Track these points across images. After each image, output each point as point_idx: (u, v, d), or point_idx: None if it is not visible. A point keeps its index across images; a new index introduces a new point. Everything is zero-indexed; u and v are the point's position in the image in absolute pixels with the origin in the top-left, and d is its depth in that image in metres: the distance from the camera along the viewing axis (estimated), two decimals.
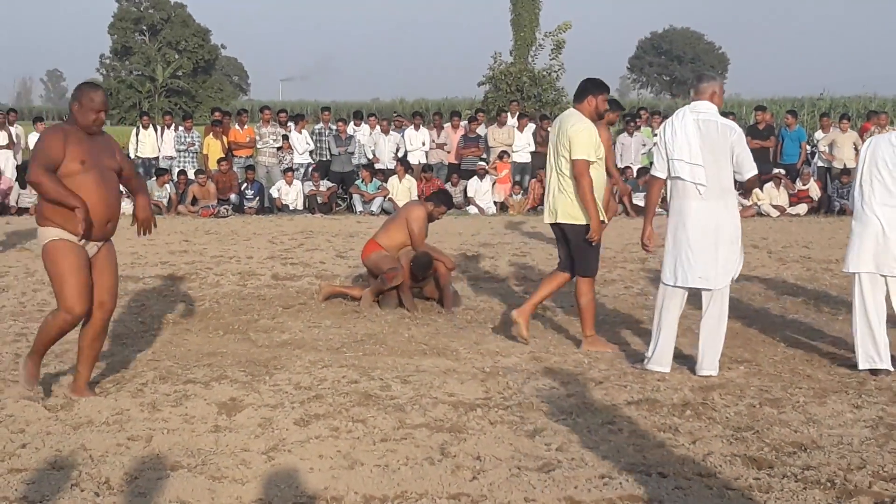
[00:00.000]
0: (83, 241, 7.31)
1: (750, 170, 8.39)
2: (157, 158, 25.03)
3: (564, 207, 9.33)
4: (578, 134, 9.15)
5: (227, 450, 6.36)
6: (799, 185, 22.84)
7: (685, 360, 8.78)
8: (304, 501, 5.56)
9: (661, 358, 8.53)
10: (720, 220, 8.33)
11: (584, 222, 9.25)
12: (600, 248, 9.73)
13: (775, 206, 22.09)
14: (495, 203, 23.57)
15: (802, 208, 22.42)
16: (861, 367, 8.50)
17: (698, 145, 8.29)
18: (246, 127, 24.75)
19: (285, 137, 24.40)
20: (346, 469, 6.03)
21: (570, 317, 10.77)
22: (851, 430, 6.89)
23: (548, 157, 9.59)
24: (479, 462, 6.18)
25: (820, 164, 23.72)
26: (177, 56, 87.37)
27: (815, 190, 22.90)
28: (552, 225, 9.55)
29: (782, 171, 22.61)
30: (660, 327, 8.55)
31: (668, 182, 8.51)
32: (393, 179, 23.22)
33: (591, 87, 9.46)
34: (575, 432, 6.78)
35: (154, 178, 23.12)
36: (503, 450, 6.42)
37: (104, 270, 7.53)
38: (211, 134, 24.22)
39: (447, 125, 25.30)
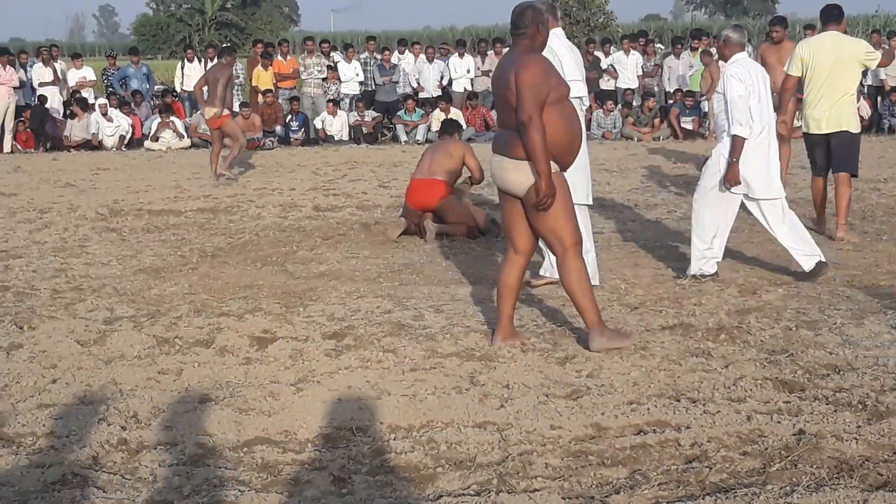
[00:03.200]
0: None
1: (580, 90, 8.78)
2: None
3: (847, 118, 10.71)
4: (866, 45, 11.11)
5: (255, 382, 6.38)
6: None
7: (722, 283, 8.71)
8: (329, 432, 5.56)
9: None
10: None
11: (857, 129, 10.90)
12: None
13: None
14: None
15: None
16: (812, 266, 8.79)
17: (573, 65, 8.64)
18: (289, 58, 24.68)
19: (330, 68, 24.30)
20: (373, 399, 6.03)
21: (610, 244, 10.69)
22: (888, 351, 6.80)
23: (819, 76, 10.63)
24: (507, 390, 6.16)
25: (871, 82, 23.21)
26: None
27: (864, 109, 22.47)
28: (817, 135, 10.78)
29: None
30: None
31: None
32: (437, 113, 22.87)
33: (840, 12, 10.86)
34: (606, 358, 6.73)
35: (200, 112, 23.13)
36: (532, 377, 6.39)
37: None
38: (259, 65, 24.06)
39: (491, 52, 25.05)
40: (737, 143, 8.65)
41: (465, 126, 22.33)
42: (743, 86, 8.65)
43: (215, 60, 24.97)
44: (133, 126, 22.91)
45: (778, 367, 6.49)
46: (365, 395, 6.11)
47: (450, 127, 12.49)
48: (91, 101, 23.25)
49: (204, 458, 5.26)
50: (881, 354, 6.70)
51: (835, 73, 10.55)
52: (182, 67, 25.22)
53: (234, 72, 18.97)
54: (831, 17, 10.83)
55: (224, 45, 31.84)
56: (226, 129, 16.94)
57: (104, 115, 22.49)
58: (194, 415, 5.83)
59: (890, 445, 5.19)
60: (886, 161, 16.96)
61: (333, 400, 6.03)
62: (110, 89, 24.91)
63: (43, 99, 22.74)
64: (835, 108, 10.61)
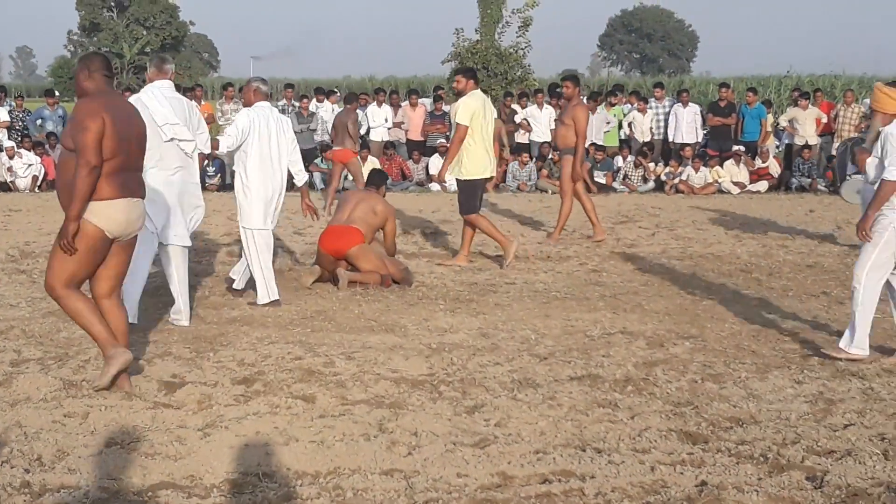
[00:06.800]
0: None
1: (204, 144, 9.64)
2: None
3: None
4: None
5: (162, 426, 6.35)
6: (759, 162, 22.83)
7: (631, 335, 8.82)
8: (236, 478, 5.55)
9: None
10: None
11: None
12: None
13: (735, 183, 22.06)
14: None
15: (763, 185, 22.38)
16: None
17: (174, 116, 9.22)
18: (203, 102, 24.52)
19: None
20: (281, 445, 6.02)
21: (521, 294, 10.77)
22: (790, 405, 6.93)
23: (485, 128, 12.38)
24: (415, 438, 6.19)
25: (796, 140, 23.54)
26: (144, 33, 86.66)
27: (774, 167, 22.92)
28: (483, 179, 12.66)
29: (742, 148, 22.59)
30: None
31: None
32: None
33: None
34: (514, 408, 6.79)
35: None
36: (441, 426, 6.42)
37: None
38: None
39: (405, 104, 25.17)
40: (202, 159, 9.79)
41: None
42: (248, 121, 10.04)
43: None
44: (45, 167, 22.68)
45: (682, 419, 6.60)
46: (273, 440, 6.11)
47: (377, 178, 12.41)
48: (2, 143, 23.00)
49: (108, 503, 5.22)
50: (784, 408, 6.83)
51: (492, 126, 12.57)
52: None
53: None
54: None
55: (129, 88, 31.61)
56: (351, 167, 18.98)
57: (11, 157, 22.31)
58: (99, 458, 5.79)
59: (790, 498, 5.30)
60: (795, 219, 17.25)
61: (241, 445, 6.01)
62: (24, 131, 24.61)
63: None
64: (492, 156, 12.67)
